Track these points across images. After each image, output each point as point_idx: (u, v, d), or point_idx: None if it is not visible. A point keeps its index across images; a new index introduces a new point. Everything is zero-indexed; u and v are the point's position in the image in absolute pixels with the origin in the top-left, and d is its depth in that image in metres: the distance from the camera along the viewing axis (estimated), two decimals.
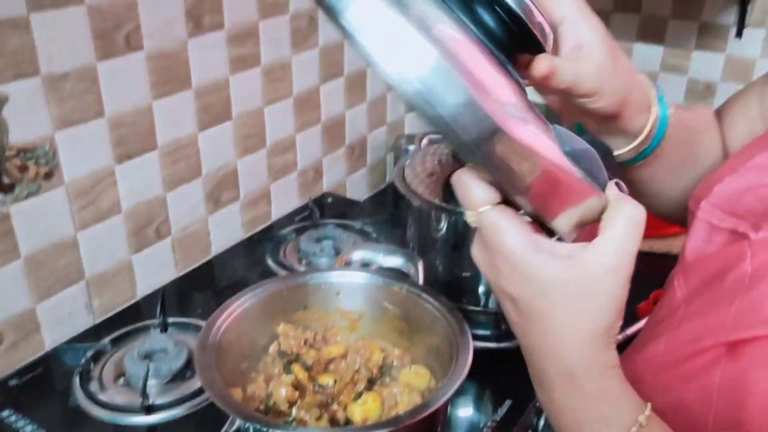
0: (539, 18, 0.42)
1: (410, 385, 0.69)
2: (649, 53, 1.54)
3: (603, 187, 0.42)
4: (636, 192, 0.57)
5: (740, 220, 0.50)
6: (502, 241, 0.40)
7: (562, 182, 0.41)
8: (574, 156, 0.41)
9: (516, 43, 0.43)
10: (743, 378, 0.43)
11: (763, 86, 0.62)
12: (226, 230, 1.10)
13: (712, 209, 0.53)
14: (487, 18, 0.41)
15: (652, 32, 1.53)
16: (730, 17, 1.43)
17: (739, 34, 1.43)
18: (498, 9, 0.41)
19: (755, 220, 0.49)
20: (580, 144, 0.43)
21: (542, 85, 0.47)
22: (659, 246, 1.10)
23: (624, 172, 0.58)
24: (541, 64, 0.44)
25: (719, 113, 0.66)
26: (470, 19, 0.41)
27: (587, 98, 0.48)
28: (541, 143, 0.40)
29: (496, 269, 0.42)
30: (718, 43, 1.47)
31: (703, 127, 0.65)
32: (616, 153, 0.55)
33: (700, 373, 0.47)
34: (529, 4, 0.41)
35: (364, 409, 0.67)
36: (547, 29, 0.44)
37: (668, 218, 0.65)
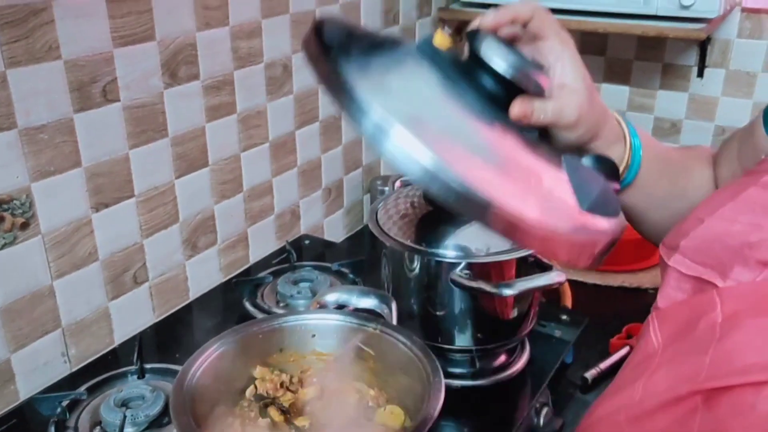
0: (534, 78, 0.52)
1: (385, 426, 0.70)
2: (616, 93, 1.59)
3: (616, 214, 0.50)
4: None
5: (707, 269, 0.52)
6: None
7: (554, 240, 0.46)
8: (590, 201, 0.48)
9: (515, 94, 0.52)
10: (721, 427, 0.44)
11: (743, 133, 0.65)
12: (204, 275, 1.11)
13: (682, 259, 0.55)
14: (488, 82, 0.51)
15: (617, 73, 1.58)
16: (692, 58, 1.49)
17: (700, 74, 1.48)
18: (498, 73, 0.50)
19: (722, 269, 0.51)
20: (590, 175, 0.51)
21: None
22: (630, 281, 1.12)
23: None
24: (514, 110, 0.53)
25: (717, 153, 0.70)
26: (473, 84, 0.50)
27: (567, 129, 0.57)
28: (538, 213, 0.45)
29: None
30: (681, 83, 1.52)
31: (694, 163, 0.69)
32: None
33: (679, 422, 0.47)
34: (525, 69, 0.51)
35: None
36: (544, 83, 0.53)
37: (657, 244, 0.67)
